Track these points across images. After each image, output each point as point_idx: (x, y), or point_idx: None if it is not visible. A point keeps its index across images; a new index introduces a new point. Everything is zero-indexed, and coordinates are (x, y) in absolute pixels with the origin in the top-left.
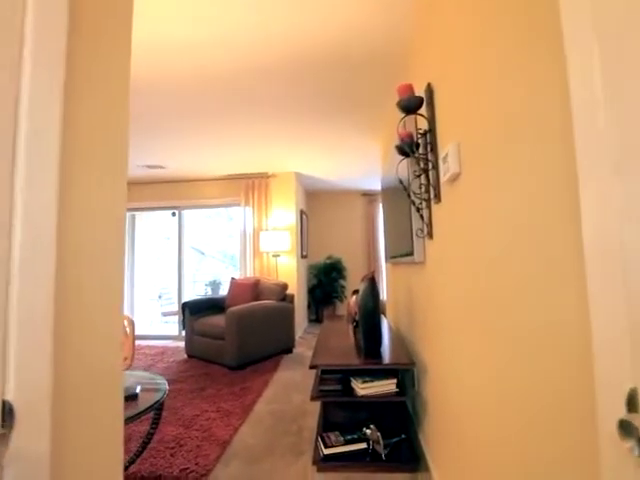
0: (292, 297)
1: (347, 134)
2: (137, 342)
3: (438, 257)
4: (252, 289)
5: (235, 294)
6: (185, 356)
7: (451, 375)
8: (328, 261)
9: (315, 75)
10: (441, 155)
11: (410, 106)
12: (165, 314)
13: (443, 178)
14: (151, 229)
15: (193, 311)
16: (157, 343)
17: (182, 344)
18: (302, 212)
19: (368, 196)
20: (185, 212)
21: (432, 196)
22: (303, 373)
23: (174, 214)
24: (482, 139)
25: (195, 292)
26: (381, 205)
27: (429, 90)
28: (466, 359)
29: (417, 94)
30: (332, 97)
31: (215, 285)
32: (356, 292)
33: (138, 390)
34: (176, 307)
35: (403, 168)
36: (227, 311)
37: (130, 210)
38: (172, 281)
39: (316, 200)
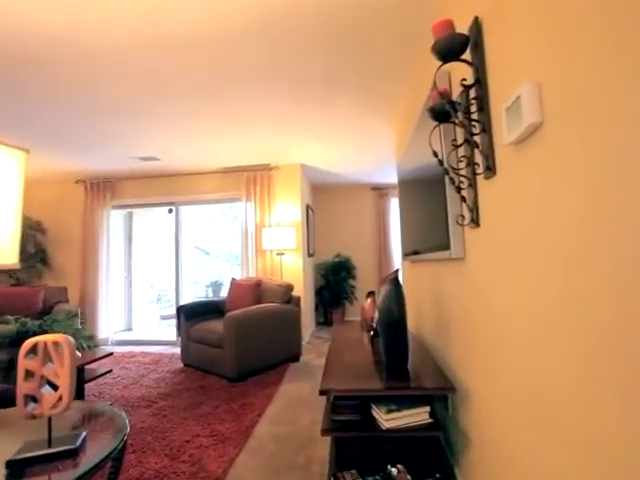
0: (298, 299)
1: (356, 120)
2: (132, 348)
3: (489, 250)
4: (253, 291)
5: (235, 296)
6: (181, 365)
7: (522, 404)
8: (336, 259)
9: (309, 41)
10: (501, 108)
11: (451, 48)
12: (164, 317)
13: (506, 138)
14: (151, 228)
15: (189, 316)
16: (153, 349)
17: (179, 351)
18: (308, 207)
19: (378, 190)
20: (185, 209)
21: (481, 169)
22: (311, 385)
23: (170, 211)
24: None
25: (196, 294)
26: (394, 199)
27: (476, 26)
28: (552, 384)
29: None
30: (335, 71)
31: (216, 286)
32: (371, 294)
33: (79, 442)
34: (174, 310)
35: (432, 143)
36: (225, 316)
37: (124, 207)
38: (172, 282)
39: (323, 194)
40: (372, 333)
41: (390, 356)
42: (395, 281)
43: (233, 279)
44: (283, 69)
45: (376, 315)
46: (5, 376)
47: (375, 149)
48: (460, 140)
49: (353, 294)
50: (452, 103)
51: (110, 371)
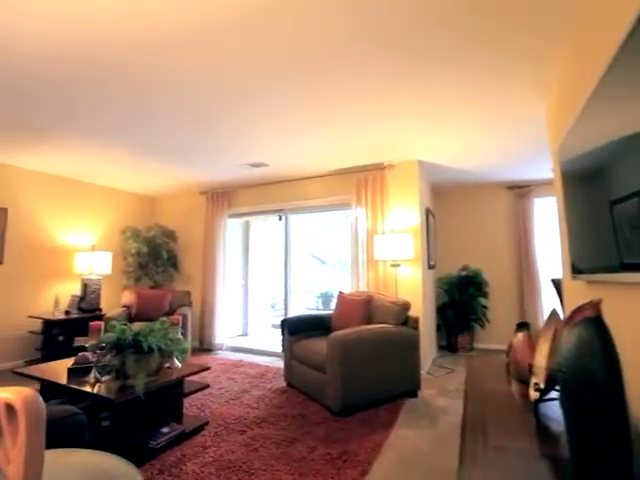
0: (416, 321)
1: (488, 96)
2: (243, 357)
3: None
4: (363, 308)
5: (342, 313)
6: (284, 384)
7: None
8: (463, 273)
9: None
10: None
11: None
12: (275, 326)
13: None
14: (266, 236)
15: (292, 331)
16: (262, 360)
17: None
18: (428, 211)
19: (516, 189)
20: (298, 217)
21: None
22: (433, 437)
23: (280, 218)
24: None
25: (306, 305)
26: (538, 198)
27: None
28: None
29: None
30: (464, 32)
31: (326, 298)
32: (524, 327)
33: None
34: None
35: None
36: (329, 336)
37: (239, 215)
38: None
39: (444, 196)
40: (537, 393)
41: (586, 464)
42: (597, 322)
43: (340, 293)
44: (396, 35)
45: (539, 363)
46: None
47: (513, 134)
48: None
49: (485, 316)
50: None
51: (207, 386)
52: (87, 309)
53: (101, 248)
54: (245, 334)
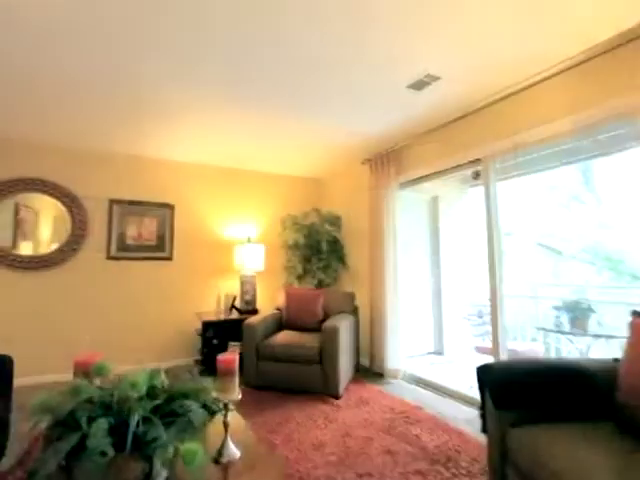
0: None
1: None
2: (426, 396)
3: None
4: None
5: None
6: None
7: None
8: None
9: None
10: None
11: None
12: (480, 350)
13: None
14: (464, 214)
15: (504, 400)
16: (455, 413)
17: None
18: None
19: None
20: (506, 184)
21: None
22: None
23: (476, 175)
24: None
25: (538, 320)
26: None
27: None
28: None
29: None
30: None
31: (577, 311)
32: None
33: None
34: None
35: None
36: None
37: (411, 183)
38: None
39: None
40: None
41: None
42: None
43: (636, 314)
44: None
45: None
46: None
47: None
48: None
49: None
50: None
51: None
52: (244, 310)
53: (260, 241)
54: (439, 352)
